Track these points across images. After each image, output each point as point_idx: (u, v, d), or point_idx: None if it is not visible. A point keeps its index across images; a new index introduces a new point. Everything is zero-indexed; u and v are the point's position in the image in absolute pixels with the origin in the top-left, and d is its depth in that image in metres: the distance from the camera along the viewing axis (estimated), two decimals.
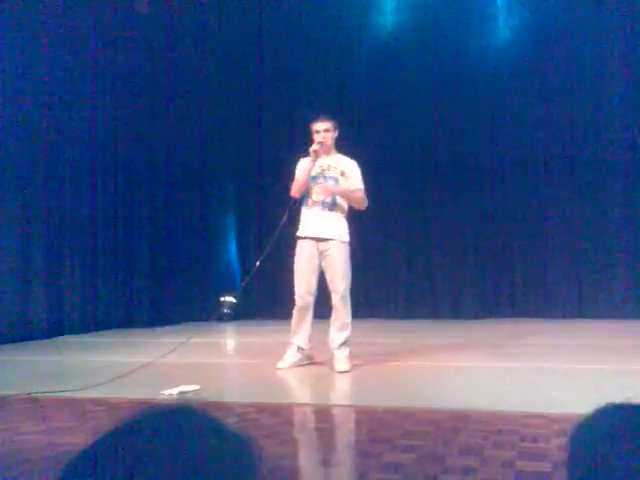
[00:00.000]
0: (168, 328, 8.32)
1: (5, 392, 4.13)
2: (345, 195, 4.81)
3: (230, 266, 9.53)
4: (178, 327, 8.46)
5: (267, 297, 8.86)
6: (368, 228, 8.83)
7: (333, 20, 8.86)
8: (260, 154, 9.16)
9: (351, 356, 4.83)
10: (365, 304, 8.80)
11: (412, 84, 8.51)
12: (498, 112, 8.27)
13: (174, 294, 9.04)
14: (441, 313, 8.34)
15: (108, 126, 8.41)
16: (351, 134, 8.88)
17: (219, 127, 9.32)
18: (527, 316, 7.91)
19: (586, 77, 7.86)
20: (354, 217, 8.63)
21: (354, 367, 4.87)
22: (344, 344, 4.79)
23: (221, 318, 8.65)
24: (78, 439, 2.97)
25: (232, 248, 9.63)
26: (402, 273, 8.64)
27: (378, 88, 8.67)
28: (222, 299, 9.02)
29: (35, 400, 3.95)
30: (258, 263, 5.15)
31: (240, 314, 8.93)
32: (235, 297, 8.93)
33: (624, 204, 7.75)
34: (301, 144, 5.09)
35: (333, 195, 4.77)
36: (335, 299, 4.82)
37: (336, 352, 4.79)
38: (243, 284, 6.70)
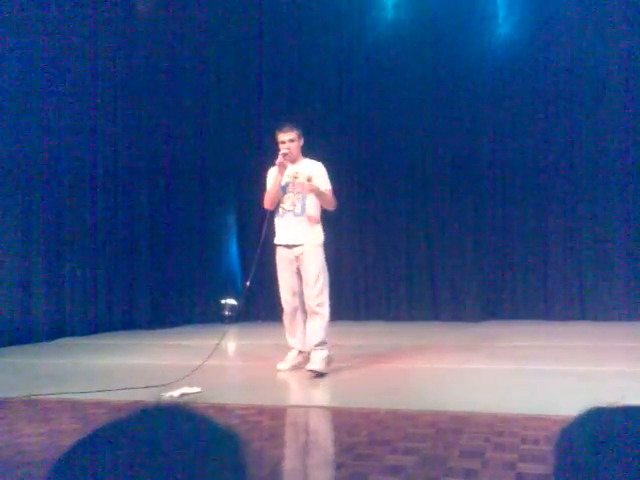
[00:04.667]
0: (169, 330, 8.33)
1: (7, 394, 4.13)
2: (318, 194, 4.81)
3: (231, 267, 9.53)
4: (179, 329, 8.47)
5: (268, 299, 8.86)
6: (369, 230, 8.86)
7: (333, 16, 8.86)
8: (261, 154, 9.14)
9: (329, 360, 4.74)
10: (365, 306, 8.82)
11: (413, 82, 8.49)
12: (498, 112, 8.24)
13: (175, 296, 9.05)
14: (442, 315, 8.33)
15: (108, 128, 8.43)
16: (351, 133, 8.94)
17: (220, 127, 9.32)
18: (528, 318, 7.89)
19: (587, 75, 7.83)
20: (354, 219, 8.72)
21: (351, 368, 4.87)
22: (320, 345, 4.72)
23: (222, 320, 8.66)
24: None
25: (233, 249, 9.64)
26: (403, 275, 8.63)
27: (379, 86, 8.66)
28: (223, 301, 9.03)
29: (37, 402, 3.96)
30: (248, 283, 5.31)
31: (242, 316, 8.94)
32: (236, 299, 8.95)
33: (625, 205, 7.73)
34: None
35: (310, 192, 4.78)
36: (308, 302, 4.77)
37: (313, 353, 4.73)
38: (244, 292, 6.78)
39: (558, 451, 0.81)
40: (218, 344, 5.01)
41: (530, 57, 8.09)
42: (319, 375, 4.60)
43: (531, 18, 8.09)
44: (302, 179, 4.82)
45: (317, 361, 4.66)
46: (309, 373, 4.61)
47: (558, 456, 0.81)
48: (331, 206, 4.95)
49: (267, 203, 4.92)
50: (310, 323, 4.80)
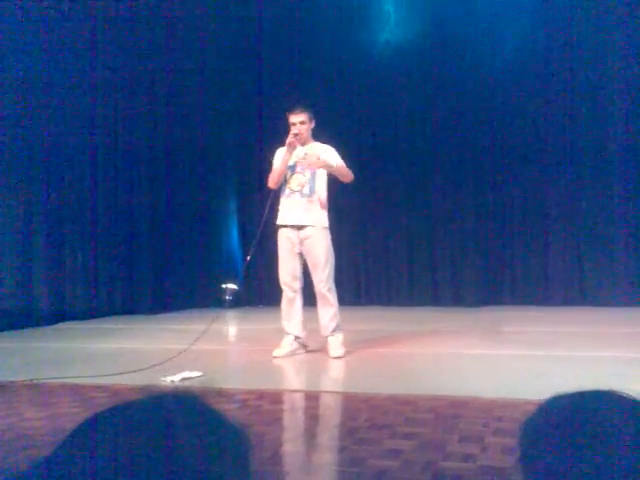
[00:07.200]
0: (170, 314, 8.35)
1: (8, 378, 4.15)
2: (328, 167, 4.83)
3: (232, 252, 9.53)
4: (180, 313, 8.49)
5: (269, 283, 8.87)
6: (370, 216, 8.85)
7: (336, 17, 8.83)
8: (261, 139, 9.11)
9: (345, 341, 4.85)
10: (366, 291, 8.84)
11: (414, 80, 8.50)
12: (499, 106, 8.22)
13: (176, 281, 9.06)
14: (442, 300, 8.35)
15: (109, 114, 8.40)
16: (352, 119, 8.91)
17: (220, 113, 9.28)
18: (528, 303, 7.91)
19: (588, 74, 7.82)
20: (355, 205, 8.71)
21: (352, 353, 4.88)
22: (336, 330, 4.82)
23: (223, 305, 8.68)
24: None
25: (234, 234, 9.64)
26: (403, 260, 8.64)
27: (380, 83, 8.63)
28: (224, 286, 9.04)
29: (38, 386, 3.97)
30: (248, 258, 5.31)
31: (242, 300, 8.95)
32: (237, 284, 8.96)
33: (625, 190, 7.72)
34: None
35: (319, 168, 4.80)
36: (319, 286, 4.80)
37: (330, 339, 4.81)
38: (243, 276, 6.78)
39: (521, 442, 0.81)
40: (207, 329, 4.95)
41: (531, 57, 8.05)
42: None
43: (533, 23, 8.03)
44: (312, 157, 4.82)
45: (337, 347, 4.76)
46: (333, 360, 4.68)
47: (522, 446, 0.81)
48: (348, 178, 4.97)
49: (272, 182, 4.88)
50: (322, 310, 4.81)
